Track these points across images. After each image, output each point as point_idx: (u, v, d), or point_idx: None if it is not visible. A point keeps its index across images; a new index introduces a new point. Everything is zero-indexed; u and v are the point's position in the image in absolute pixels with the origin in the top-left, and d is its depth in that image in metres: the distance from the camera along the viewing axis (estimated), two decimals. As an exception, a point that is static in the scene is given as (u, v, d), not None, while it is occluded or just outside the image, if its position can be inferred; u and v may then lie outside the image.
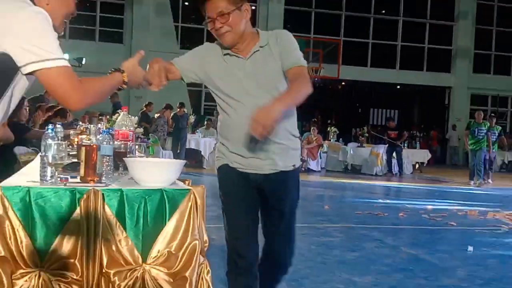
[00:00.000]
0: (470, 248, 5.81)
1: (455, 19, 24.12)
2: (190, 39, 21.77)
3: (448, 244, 6.20)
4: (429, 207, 9.00)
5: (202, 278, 2.36)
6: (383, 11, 23.76)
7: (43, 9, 1.81)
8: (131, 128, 3.00)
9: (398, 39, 23.82)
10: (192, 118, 15.99)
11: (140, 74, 2.28)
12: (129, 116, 3.09)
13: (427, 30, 24.08)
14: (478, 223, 7.74)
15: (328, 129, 17.81)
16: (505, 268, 5.08)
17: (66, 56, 1.84)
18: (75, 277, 2.13)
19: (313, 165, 15.72)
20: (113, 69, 2.12)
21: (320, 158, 16.11)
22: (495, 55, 24.84)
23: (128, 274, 2.16)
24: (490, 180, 12.37)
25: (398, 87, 24.46)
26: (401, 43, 23.84)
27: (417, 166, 17.32)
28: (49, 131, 2.29)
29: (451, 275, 4.72)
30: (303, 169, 15.04)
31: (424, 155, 17.21)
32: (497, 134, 12.35)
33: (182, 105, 15.12)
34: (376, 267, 4.86)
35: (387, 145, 15.64)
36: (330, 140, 17.13)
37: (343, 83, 22.34)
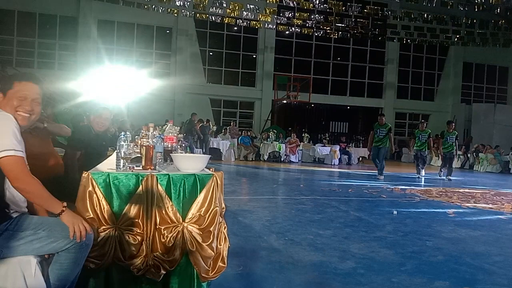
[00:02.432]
0: (395, 212, 5.79)
1: (385, 63, 24.08)
2: (213, 76, 21.80)
3: (381, 209, 6.17)
4: (368, 185, 8.99)
5: (221, 232, 2.36)
6: (338, 58, 23.72)
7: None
8: (175, 134, 3.00)
9: (348, 76, 23.79)
10: (214, 128, 15.98)
11: (77, 219, 1.89)
12: (174, 126, 3.08)
13: (367, 70, 24.04)
14: (400, 196, 7.72)
15: (303, 134, 17.79)
16: (417, 225, 5.06)
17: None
18: (138, 231, 2.14)
19: (293, 158, 15.69)
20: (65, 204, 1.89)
21: (298, 153, 16.08)
22: (411, 87, 24.79)
23: (173, 229, 2.17)
24: (422, 172, 11.34)
25: (348, 107, 24.42)
26: (350, 79, 23.80)
27: (360, 159, 17.28)
28: (122, 137, 2.29)
29: (382, 230, 4.70)
30: (286, 161, 15.00)
31: (365, 152, 17.17)
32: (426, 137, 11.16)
33: (207, 120, 15.11)
34: (334, 224, 4.84)
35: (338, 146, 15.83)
36: (304, 142, 17.11)
37: (312, 105, 22.29)
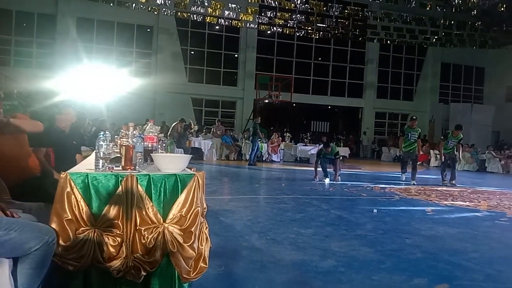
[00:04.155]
0: (375, 210, 5.87)
1: (365, 63, 24.37)
2: (194, 75, 21.68)
3: (361, 208, 6.25)
4: (349, 184, 9.08)
5: (202, 232, 2.35)
6: (320, 58, 23.89)
7: None
8: (156, 134, 2.97)
9: (329, 76, 23.99)
10: (196, 127, 15.87)
11: None
12: (155, 126, 3.05)
13: (347, 70, 24.28)
14: (380, 194, 7.83)
15: (285, 134, 17.85)
16: (396, 223, 5.15)
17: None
18: (118, 232, 2.11)
19: (275, 157, 15.76)
20: None
21: (280, 153, 16.14)
22: (390, 87, 25.16)
23: (154, 230, 2.15)
24: (413, 182, 9.90)
25: (329, 107, 24.63)
26: (331, 79, 24.00)
27: (339, 156, 17.38)
28: (101, 136, 2.26)
29: (362, 228, 4.76)
30: (268, 160, 15.05)
31: (346, 151, 17.34)
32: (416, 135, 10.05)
33: (184, 120, 14.69)
34: (315, 223, 4.88)
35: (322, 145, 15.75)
36: (286, 141, 17.16)
37: (294, 105, 22.39)
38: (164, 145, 3.12)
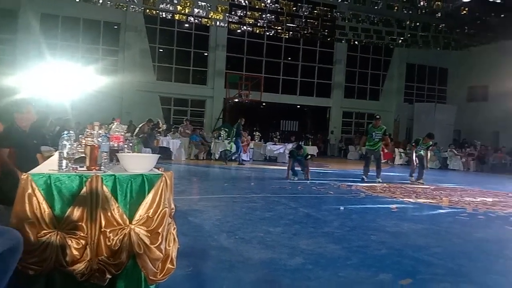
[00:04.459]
0: (342, 208, 5.98)
1: (333, 64, 24.75)
2: (163, 73, 21.39)
3: (328, 205, 6.35)
4: (317, 182, 9.20)
5: (170, 233, 2.33)
6: (289, 58, 24.09)
7: None
8: (122, 133, 2.92)
9: (298, 76, 24.22)
10: (164, 126, 15.65)
11: None
12: (121, 125, 2.99)
13: (316, 70, 24.59)
14: (346, 192, 7.98)
15: (254, 133, 17.88)
16: (362, 220, 5.26)
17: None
18: (82, 234, 2.07)
19: (244, 156, 15.74)
20: None
21: (249, 152, 16.16)
22: (357, 87, 25.66)
23: (119, 231, 2.11)
24: (379, 179, 10.01)
25: (298, 106, 24.87)
26: (300, 78, 24.24)
27: (309, 156, 17.58)
28: (65, 136, 2.20)
29: (330, 225, 4.84)
30: (237, 160, 15.04)
31: (314, 150, 17.53)
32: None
33: (151, 120, 14.48)
34: (283, 221, 4.92)
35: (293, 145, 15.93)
36: (255, 141, 17.20)
37: (264, 104, 22.48)
38: (131, 144, 3.06)
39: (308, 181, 9.31)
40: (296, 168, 9.70)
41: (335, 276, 3.05)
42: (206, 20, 18.07)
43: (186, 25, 20.96)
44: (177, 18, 17.78)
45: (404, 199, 7.24)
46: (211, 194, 6.94)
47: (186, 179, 9.20)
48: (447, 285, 2.94)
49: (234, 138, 13.97)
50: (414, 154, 10.16)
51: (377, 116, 9.82)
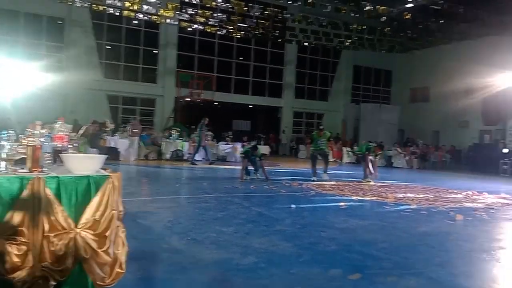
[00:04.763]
0: (293, 206, 6.07)
1: (284, 64, 25.10)
2: (111, 71, 20.69)
3: (280, 204, 6.42)
4: (269, 181, 9.26)
5: (118, 236, 2.25)
6: (241, 58, 24.14)
7: None
8: (66, 133, 2.78)
9: (250, 75, 24.34)
10: (111, 126, 15.13)
11: None
12: (66, 124, 2.85)
13: (267, 71, 24.83)
14: (298, 190, 8.11)
15: (206, 133, 17.72)
16: (313, 217, 5.37)
17: None
18: (23, 240, 1.95)
19: (196, 156, 15.59)
20: None
21: (202, 152, 16.00)
22: (307, 87, 26.16)
23: (64, 236, 2.01)
24: (326, 176, 10.16)
25: (250, 106, 24.98)
26: (252, 78, 24.38)
27: (263, 157, 17.71)
28: (4, 135, 2.07)
29: (282, 223, 4.89)
30: (189, 159, 14.88)
31: (266, 149, 17.67)
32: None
33: (96, 121, 13.99)
34: (236, 221, 4.92)
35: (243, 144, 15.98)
36: (208, 140, 17.05)
37: (216, 103, 22.37)
38: (75, 145, 2.93)
39: (261, 178, 9.38)
40: (248, 168, 9.73)
41: (287, 273, 3.08)
42: (156, 17, 17.70)
43: (135, 22, 20.43)
44: (125, 14, 17.29)
45: (352, 197, 7.47)
46: (162, 195, 6.80)
47: (135, 180, 8.96)
48: (393, 278, 3.06)
49: (198, 138, 13.96)
50: (369, 159, 10.49)
51: (321, 127, 10.08)
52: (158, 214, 5.12)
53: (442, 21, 19.25)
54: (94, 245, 2.05)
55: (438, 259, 3.67)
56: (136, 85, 21.16)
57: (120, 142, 14.11)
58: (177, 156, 15.21)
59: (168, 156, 15.05)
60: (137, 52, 21.38)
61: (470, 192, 8.82)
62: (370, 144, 10.70)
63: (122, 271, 2.20)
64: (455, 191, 9.16)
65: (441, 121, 23.22)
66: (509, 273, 3.48)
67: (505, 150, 15.55)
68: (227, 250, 3.63)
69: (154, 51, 21.78)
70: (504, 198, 8.14)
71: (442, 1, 17.12)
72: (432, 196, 8.00)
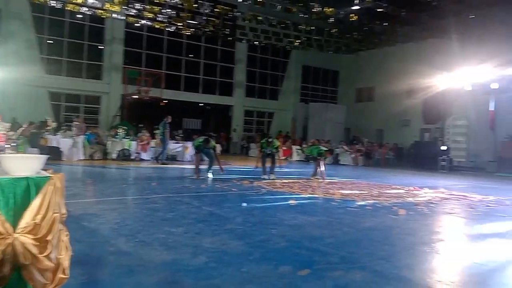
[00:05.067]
0: (244, 204, 6.10)
1: (235, 63, 25.12)
2: (52, 67, 19.69)
3: (231, 202, 6.43)
4: (220, 179, 9.24)
5: (61, 240, 2.15)
6: (191, 55, 23.86)
7: None
8: (4, 132, 2.61)
9: (200, 73, 24.12)
10: (53, 124, 14.42)
11: None
12: (3, 122, 2.68)
13: (218, 69, 24.73)
14: (249, 188, 8.16)
15: (155, 131, 17.35)
16: (264, 215, 5.42)
17: None
18: (-47, 247, 1.80)
19: (144, 156, 15.26)
20: None
21: (150, 151, 15.67)
22: (258, 86, 26.37)
23: (1, 242, 1.89)
24: (272, 176, 10.17)
25: (201, 104, 24.76)
26: (202, 76, 24.18)
27: (217, 149, 17.60)
28: None
29: (233, 222, 4.90)
30: (137, 159, 14.54)
31: (217, 148, 17.54)
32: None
33: (32, 122, 13.33)
34: (186, 221, 4.86)
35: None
36: (156, 139, 16.72)
37: (165, 101, 21.94)
38: (14, 144, 2.77)
39: (222, 171, 9.67)
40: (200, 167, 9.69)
41: (238, 272, 3.09)
42: (101, 11, 17.07)
43: (79, 15, 19.58)
44: (68, 8, 16.52)
45: (302, 193, 7.63)
46: (108, 197, 6.58)
47: (79, 181, 8.61)
48: (340, 272, 3.16)
49: (162, 137, 13.86)
50: (321, 163, 10.74)
51: (269, 140, 10.14)
52: (104, 216, 4.95)
53: (386, 23, 20.11)
54: (34, 250, 1.94)
55: (383, 252, 3.83)
56: (80, 81, 20.30)
57: (62, 141, 13.52)
58: (124, 156, 14.77)
59: (114, 155, 14.58)
60: (81, 47, 20.51)
61: (411, 188, 9.30)
62: (322, 149, 11.00)
63: (66, 276, 2.11)
64: (397, 186, 9.62)
65: (385, 120, 24.26)
66: (448, 264, 3.70)
67: (443, 148, 16.52)
68: (177, 251, 3.58)
69: (100, 47, 21.00)
70: (443, 193, 8.66)
71: (386, 5, 17.87)
72: (377, 192, 8.35)
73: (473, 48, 17.19)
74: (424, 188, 9.22)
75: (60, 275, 2.08)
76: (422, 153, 17.96)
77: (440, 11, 17.83)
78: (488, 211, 6.57)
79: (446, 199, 7.80)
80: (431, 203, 7.17)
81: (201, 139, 9.83)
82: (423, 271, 3.42)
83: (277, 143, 10.57)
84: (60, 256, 2.10)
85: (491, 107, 16.89)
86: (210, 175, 9.76)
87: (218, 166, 9.80)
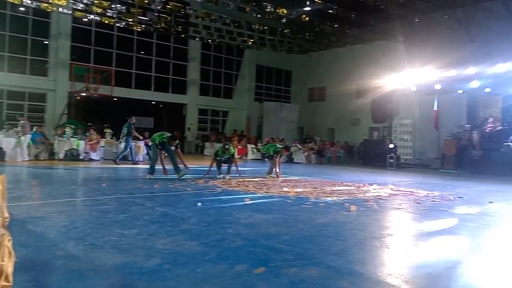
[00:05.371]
0: (199, 204, 6.02)
1: (188, 61, 24.82)
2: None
3: (186, 202, 6.33)
4: (174, 179, 9.10)
5: (3, 245, 2.01)
6: (142, 52, 23.30)
7: None
8: None
9: (152, 71, 23.61)
10: (-5, 123, 13.60)
11: None
12: None
13: (171, 66, 24.33)
14: (204, 188, 8.08)
15: (105, 130, 16.81)
16: (219, 214, 5.38)
17: None
18: None
19: (94, 156, 14.72)
20: None
21: (99, 150, 15.15)
22: (212, 85, 26.23)
23: None
24: (227, 176, 10.09)
25: (153, 102, 24.25)
26: (154, 74, 23.69)
27: (166, 154, 17.28)
28: None
29: (187, 222, 4.83)
30: (86, 159, 14.04)
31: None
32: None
33: None
34: (139, 222, 4.72)
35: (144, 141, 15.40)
36: (106, 138, 16.19)
37: (115, 99, 21.29)
38: None
39: (187, 168, 9.64)
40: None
41: (193, 272, 3.05)
42: (46, 5, 16.27)
43: (22, 8, 18.55)
44: (10, 0, 15.59)
45: (257, 192, 7.66)
46: (56, 199, 6.28)
47: (24, 182, 8.16)
48: (296, 269, 3.20)
49: (125, 138, 13.53)
50: (277, 161, 10.83)
51: (226, 146, 10.11)
52: (51, 219, 4.71)
53: (337, 25, 20.66)
54: (-28, 257, 1.81)
55: (336, 248, 3.92)
56: (24, 78, 19.26)
57: (5, 141, 12.77)
58: (72, 156, 14.19)
59: (61, 155, 13.97)
60: (24, 42, 19.45)
61: (362, 184, 9.61)
62: (278, 146, 11.12)
63: (9, 284, 1.99)
64: (349, 183, 9.90)
65: (336, 119, 24.94)
66: (397, 257, 3.85)
67: (391, 146, 17.21)
68: (129, 253, 3.47)
69: (45, 42, 20.01)
70: (391, 189, 9.00)
71: (336, 7, 18.36)
72: (329, 189, 8.55)
73: (418, 50, 18.05)
74: (373, 185, 9.53)
75: (2, 282, 1.95)
76: (371, 151, 18.62)
77: (387, 14, 18.59)
78: (433, 206, 6.91)
79: (394, 195, 8.12)
80: (381, 199, 7.43)
81: (165, 134, 9.59)
82: (374, 265, 3.54)
83: (233, 150, 10.52)
84: (3, 263, 1.98)
85: (435, 107, 17.79)
86: (225, 177, 9.67)
87: (182, 164, 9.63)
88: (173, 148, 9.70)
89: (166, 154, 9.86)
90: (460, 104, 17.64)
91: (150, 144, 10.24)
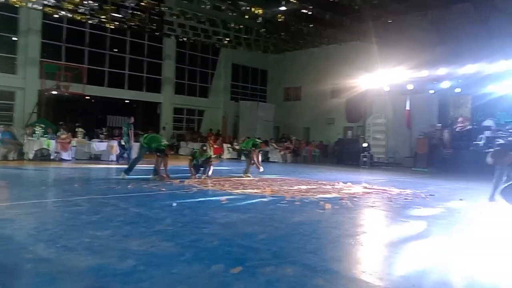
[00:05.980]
0: (174, 204, 5.97)
1: (163, 59, 24.52)
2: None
3: (160, 202, 6.26)
4: (149, 179, 8.98)
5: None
6: (115, 50, 22.86)
7: None
8: None
9: (126, 69, 23.21)
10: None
11: None
12: None
13: (145, 64, 23.98)
14: (179, 187, 8.00)
15: (76, 129, 16.42)
16: (195, 214, 5.35)
17: None
18: None
19: (65, 155, 14.37)
20: None
21: (71, 150, 14.79)
22: (187, 84, 25.99)
23: None
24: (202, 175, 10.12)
25: (127, 101, 23.83)
26: (128, 72, 23.29)
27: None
28: None
29: (162, 222, 4.77)
30: (57, 159, 13.71)
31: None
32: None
33: None
34: (113, 223, 4.64)
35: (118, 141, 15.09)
36: (78, 137, 15.82)
37: (87, 97, 20.81)
38: None
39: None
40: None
41: (168, 273, 3.01)
42: (14, 0, 15.76)
43: (-12, 3, 17.90)
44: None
45: (233, 191, 7.64)
46: (25, 200, 6.09)
47: (-9, 183, 7.88)
48: (272, 268, 3.21)
49: (126, 138, 13.52)
50: (255, 156, 10.88)
51: (204, 148, 10.06)
52: (19, 221, 4.57)
53: (312, 25, 20.84)
54: None
55: (311, 246, 3.96)
56: (-9, 75, 18.60)
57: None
58: (42, 156, 13.81)
59: (31, 156, 13.58)
60: (-10, 38, 18.78)
61: (336, 183, 9.73)
62: (257, 141, 11.16)
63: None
64: (324, 182, 10.00)
65: (311, 118, 25.15)
66: (371, 254, 3.92)
67: (365, 145, 17.49)
68: (103, 255, 3.41)
69: (13, 38, 19.37)
70: (365, 187, 9.15)
71: (312, 7, 18.51)
72: (304, 188, 8.62)
73: (391, 51, 18.40)
74: (347, 183, 9.67)
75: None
76: (346, 150, 18.89)
77: (361, 15, 18.89)
78: (405, 203, 7.07)
79: (368, 193, 8.25)
80: (355, 197, 7.55)
81: (163, 142, 9.40)
82: (349, 262, 3.59)
83: (211, 153, 10.51)
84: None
85: (407, 106, 18.18)
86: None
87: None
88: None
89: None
90: (432, 103, 18.09)
91: (140, 144, 9.83)
